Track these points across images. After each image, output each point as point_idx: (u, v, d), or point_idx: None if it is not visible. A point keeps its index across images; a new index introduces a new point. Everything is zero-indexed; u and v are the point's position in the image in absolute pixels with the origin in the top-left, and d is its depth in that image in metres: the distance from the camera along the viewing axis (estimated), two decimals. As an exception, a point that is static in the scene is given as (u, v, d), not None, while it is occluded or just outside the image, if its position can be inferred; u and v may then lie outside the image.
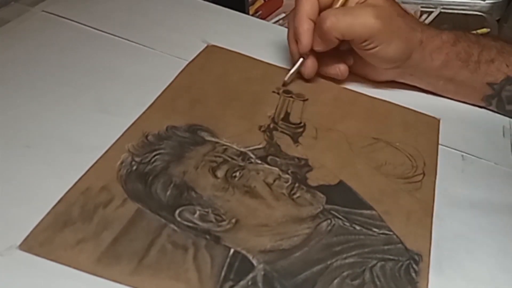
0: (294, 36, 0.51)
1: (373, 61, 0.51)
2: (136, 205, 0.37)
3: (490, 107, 0.55)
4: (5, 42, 0.50)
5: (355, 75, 0.54)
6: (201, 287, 0.33)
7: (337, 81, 0.54)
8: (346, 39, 0.49)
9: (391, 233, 0.39)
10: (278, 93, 0.51)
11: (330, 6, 0.50)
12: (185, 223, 0.37)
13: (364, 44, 0.49)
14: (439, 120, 0.52)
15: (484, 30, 0.80)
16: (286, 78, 0.51)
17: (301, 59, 0.51)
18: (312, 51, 0.50)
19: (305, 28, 0.49)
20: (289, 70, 0.52)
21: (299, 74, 0.52)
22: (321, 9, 0.50)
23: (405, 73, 0.53)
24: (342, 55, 0.53)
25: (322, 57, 0.52)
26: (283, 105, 0.50)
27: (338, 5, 0.50)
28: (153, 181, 0.39)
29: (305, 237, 0.38)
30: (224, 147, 0.43)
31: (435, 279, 0.37)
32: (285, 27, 0.73)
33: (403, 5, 0.82)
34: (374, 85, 0.54)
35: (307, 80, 0.53)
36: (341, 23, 0.48)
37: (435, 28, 0.52)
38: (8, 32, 0.51)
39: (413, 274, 0.37)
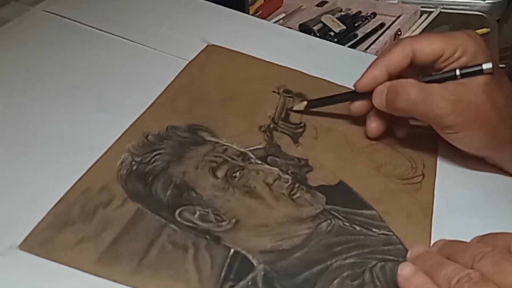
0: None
1: (454, 144, 0.45)
2: (136, 205, 0.37)
3: None
4: (5, 42, 0.50)
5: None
6: (201, 287, 0.33)
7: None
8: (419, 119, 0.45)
9: (391, 233, 0.39)
10: (278, 93, 0.51)
11: (427, 67, 0.45)
12: (185, 223, 0.37)
13: (437, 129, 0.44)
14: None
15: (484, 30, 0.79)
16: (294, 109, 0.49)
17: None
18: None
19: (374, 73, 0.45)
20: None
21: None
22: (415, 65, 0.45)
23: (490, 160, 0.47)
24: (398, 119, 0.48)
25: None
26: (283, 105, 0.50)
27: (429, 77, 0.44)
28: (153, 181, 0.39)
29: (305, 237, 0.38)
30: (224, 147, 0.43)
31: (434, 279, 0.37)
32: (286, 26, 0.73)
33: (404, 7, 0.81)
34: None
35: (307, 81, 0.53)
36: (415, 108, 0.43)
37: None
38: (8, 32, 0.51)
39: (413, 275, 0.37)
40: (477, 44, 0.44)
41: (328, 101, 0.49)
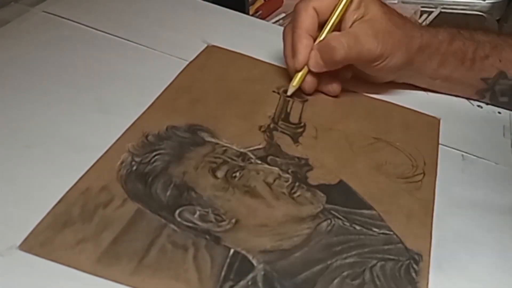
0: (291, 52, 0.50)
1: (376, 74, 0.52)
2: (136, 205, 0.37)
3: (483, 100, 0.56)
4: (5, 42, 0.50)
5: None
6: (201, 287, 0.33)
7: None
8: (352, 63, 0.50)
9: (391, 233, 0.39)
10: (278, 93, 0.51)
11: (326, 21, 0.50)
12: (185, 223, 0.37)
13: (368, 64, 0.50)
14: (439, 120, 0.52)
15: None
16: (288, 93, 0.50)
17: (300, 73, 0.50)
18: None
19: (304, 44, 0.49)
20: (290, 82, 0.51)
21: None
22: (319, 24, 0.50)
23: (405, 75, 0.53)
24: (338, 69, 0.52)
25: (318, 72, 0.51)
26: (283, 105, 0.50)
27: (331, 21, 0.49)
28: (153, 181, 0.39)
29: (305, 237, 0.38)
30: (224, 148, 0.43)
31: (435, 278, 0.37)
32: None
33: (404, 7, 0.82)
34: (374, 85, 0.54)
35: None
36: (352, 51, 0.48)
37: (432, 28, 0.53)
38: (8, 32, 0.51)
39: (413, 274, 0.37)
40: None
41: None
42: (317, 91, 0.52)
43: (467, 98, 0.56)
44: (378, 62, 0.49)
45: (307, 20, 0.49)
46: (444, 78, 0.54)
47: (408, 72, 0.53)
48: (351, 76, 0.53)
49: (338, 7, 0.49)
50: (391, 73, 0.52)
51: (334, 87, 0.52)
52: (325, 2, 0.49)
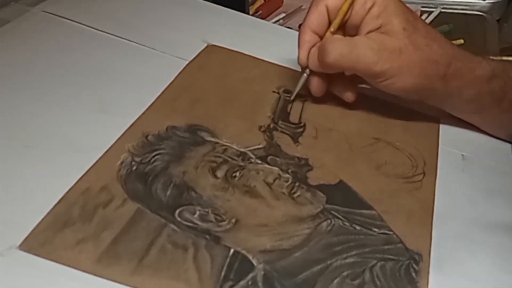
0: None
1: (384, 91, 0.47)
2: (136, 205, 0.37)
3: None
4: (5, 42, 0.50)
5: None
6: (201, 287, 0.33)
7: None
8: (349, 72, 0.47)
9: (391, 232, 0.39)
10: (278, 93, 0.51)
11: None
12: (185, 223, 0.37)
13: (369, 79, 0.47)
14: (439, 120, 0.52)
15: (459, 41, 0.77)
16: (291, 98, 0.50)
17: (304, 76, 0.49)
18: None
19: (305, 40, 0.47)
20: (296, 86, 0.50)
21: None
22: (331, 22, 0.47)
23: (426, 99, 0.49)
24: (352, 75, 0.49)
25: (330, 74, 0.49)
26: (283, 105, 0.50)
27: (337, 20, 0.47)
28: (153, 181, 0.39)
29: (305, 237, 0.38)
30: (224, 147, 0.43)
31: (435, 278, 0.37)
32: (286, 27, 0.73)
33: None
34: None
35: (307, 81, 0.53)
36: (344, 60, 0.45)
37: (472, 57, 0.47)
38: (8, 32, 0.51)
39: (413, 274, 0.37)
40: None
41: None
42: (330, 93, 0.50)
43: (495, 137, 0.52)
44: (380, 79, 0.46)
45: (313, 16, 0.47)
46: (475, 112, 0.49)
47: (429, 99, 0.49)
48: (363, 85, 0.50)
49: (344, 5, 0.46)
50: (402, 94, 0.47)
51: (348, 96, 0.49)
52: (338, 0, 0.47)
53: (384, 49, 0.45)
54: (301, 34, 0.48)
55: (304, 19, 0.48)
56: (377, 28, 0.46)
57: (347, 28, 0.48)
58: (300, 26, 0.50)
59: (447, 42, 0.47)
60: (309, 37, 0.48)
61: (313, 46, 0.47)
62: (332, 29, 0.47)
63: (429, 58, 0.45)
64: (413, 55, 0.45)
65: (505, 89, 0.47)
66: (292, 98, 0.50)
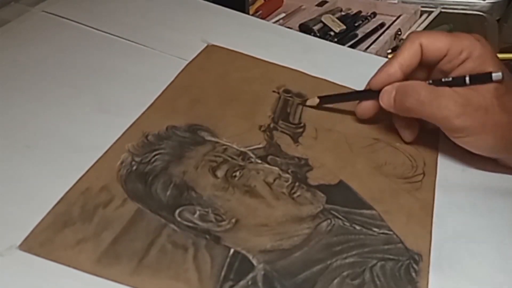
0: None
1: (462, 145, 0.45)
2: (136, 205, 0.37)
3: None
4: (5, 42, 0.50)
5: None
6: (201, 287, 0.33)
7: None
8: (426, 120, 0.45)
9: (391, 232, 0.39)
10: (278, 93, 0.51)
11: (434, 64, 0.46)
12: (185, 223, 0.37)
13: (448, 133, 0.44)
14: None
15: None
16: (307, 103, 0.49)
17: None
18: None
19: (387, 71, 0.46)
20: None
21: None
22: (424, 63, 0.46)
23: (502, 162, 0.47)
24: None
25: None
26: (283, 105, 0.50)
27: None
28: (153, 181, 0.39)
29: (305, 237, 0.38)
30: (224, 147, 0.43)
31: (435, 278, 0.37)
32: (286, 26, 0.73)
33: (404, 7, 0.81)
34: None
35: (307, 81, 0.53)
36: (423, 109, 0.43)
37: None
38: (8, 32, 0.51)
39: (413, 274, 0.37)
40: (483, 48, 0.44)
41: (341, 98, 0.50)
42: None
43: None
44: (458, 135, 0.43)
45: (406, 52, 0.45)
46: None
47: (509, 161, 0.46)
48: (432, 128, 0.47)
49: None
50: (480, 152, 0.45)
51: (406, 135, 0.48)
52: (436, 43, 0.44)
53: (469, 105, 0.42)
54: (386, 64, 0.46)
55: (397, 53, 0.46)
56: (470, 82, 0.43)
57: (434, 72, 0.47)
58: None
59: None
60: (394, 70, 0.46)
61: (393, 81, 0.46)
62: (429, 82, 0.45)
63: None
64: (499, 116, 0.42)
65: None
66: (307, 104, 0.50)
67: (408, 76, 0.46)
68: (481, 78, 0.43)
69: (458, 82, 0.43)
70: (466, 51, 0.44)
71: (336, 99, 0.50)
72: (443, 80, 0.44)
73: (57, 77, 0.47)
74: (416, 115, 0.45)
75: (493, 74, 0.42)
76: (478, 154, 0.45)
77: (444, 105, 0.43)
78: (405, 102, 0.44)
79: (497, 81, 0.42)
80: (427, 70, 0.47)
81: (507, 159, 0.46)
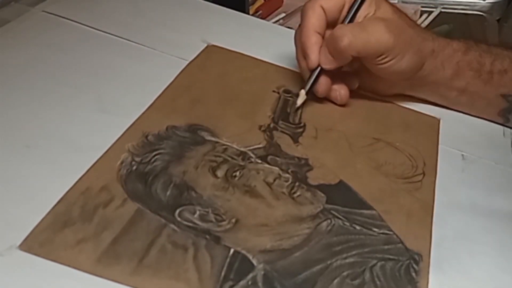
0: (302, 53, 0.49)
1: (385, 75, 0.49)
2: (136, 205, 0.37)
3: (508, 124, 0.53)
4: (5, 42, 0.50)
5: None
6: (201, 287, 0.33)
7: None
8: (361, 56, 0.47)
9: (391, 232, 0.39)
10: (278, 93, 0.51)
11: (336, 20, 0.49)
12: (185, 223, 0.37)
13: (378, 59, 0.47)
14: (439, 120, 0.52)
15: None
16: (298, 103, 0.49)
17: (313, 76, 0.48)
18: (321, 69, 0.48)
19: (313, 42, 0.48)
20: (301, 90, 0.49)
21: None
22: (328, 23, 0.48)
23: (416, 85, 0.51)
24: (345, 76, 0.51)
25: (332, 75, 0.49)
26: (283, 105, 0.50)
27: (347, 20, 0.48)
28: (153, 181, 0.39)
29: (305, 237, 0.38)
30: (224, 146, 0.43)
31: (435, 278, 0.37)
32: (286, 26, 0.73)
33: (404, 7, 0.82)
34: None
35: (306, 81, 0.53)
36: (358, 40, 0.46)
37: (445, 37, 0.51)
38: (8, 32, 0.51)
39: (413, 274, 0.37)
40: None
41: (313, 77, 0.49)
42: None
43: (490, 121, 0.54)
44: (387, 58, 0.47)
45: (314, 18, 0.48)
46: (459, 90, 0.51)
47: (420, 80, 0.50)
48: (357, 86, 0.51)
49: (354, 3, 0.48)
50: (402, 76, 0.49)
51: (342, 93, 0.50)
52: (333, 0, 0.48)
53: (389, 26, 0.46)
54: (306, 37, 0.48)
55: (302, 23, 0.48)
56: (372, 14, 0.48)
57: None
58: (295, 34, 0.50)
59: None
60: (316, 38, 0.48)
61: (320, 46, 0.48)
62: (346, 22, 0.48)
63: (419, 35, 0.48)
64: (410, 32, 0.48)
65: (480, 60, 0.50)
66: (298, 104, 0.49)
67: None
68: None
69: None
70: None
71: (310, 84, 0.49)
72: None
73: (57, 77, 0.47)
74: (352, 52, 0.46)
75: None
76: (393, 79, 0.49)
77: (371, 30, 0.46)
78: (339, 45, 0.46)
79: None
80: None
81: (417, 80, 0.50)
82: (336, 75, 0.50)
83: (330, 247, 0.37)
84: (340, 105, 0.51)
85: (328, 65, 0.48)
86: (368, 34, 0.46)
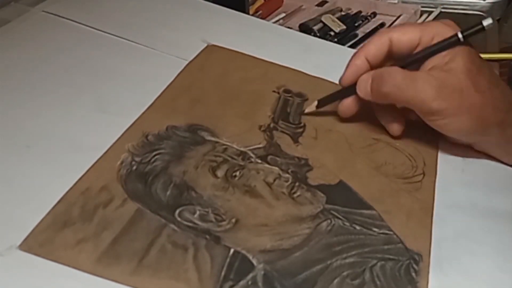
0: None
1: (438, 130, 0.46)
2: (136, 205, 0.37)
3: None
4: (5, 42, 0.50)
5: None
6: (201, 287, 0.33)
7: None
8: (403, 105, 0.45)
9: (391, 232, 0.39)
10: (278, 93, 0.51)
11: (406, 56, 0.46)
12: (185, 223, 0.37)
13: (424, 116, 0.45)
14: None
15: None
16: (305, 110, 0.49)
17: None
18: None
19: (356, 63, 0.46)
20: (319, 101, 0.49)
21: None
22: (390, 55, 0.46)
23: (482, 145, 0.48)
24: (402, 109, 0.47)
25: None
26: (283, 105, 0.50)
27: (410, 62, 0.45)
28: (153, 181, 0.39)
29: (305, 237, 0.38)
30: (224, 146, 0.43)
31: (435, 279, 0.37)
32: (286, 26, 0.73)
33: (404, 7, 0.81)
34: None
35: (307, 81, 0.53)
36: (401, 93, 0.43)
37: None
38: (8, 32, 0.51)
39: (413, 274, 0.37)
40: (454, 31, 0.44)
41: (336, 96, 0.49)
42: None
43: None
44: (435, 118, 0.44)
45: (373, 45, 0.46)
46: None
47: (484, 145, 0.47)
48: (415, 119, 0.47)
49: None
50: (456, 135, 0.46)
51: (395, 129, 0.48)
52: (406, 36, 0.45)
53: (445, 87, 0.43)
54: (353, 57, 0.47)
55: (363, 46, 0.47)
56: (441, 66, 0.44)
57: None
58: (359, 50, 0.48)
59: (509, 89, 0.46)
60: (361, 62, 0.46)
61: (363, 73, 0.46)
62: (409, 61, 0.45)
63: (489, 102, 0.44)
64: (474, 97, 0.43)
65: None
66: (305, 112, 0.49)
67: (378, 66, 0.46)
68: (474, 29, 0.44)
69: (451, 42, 0.44)
70: (438, 36, 0.44)
71: (331, 98, 0.49)
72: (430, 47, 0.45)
73: (57, 77, 0.47)
74: (393, 101, 0.45)
75: (484, 22, 0.43)
76: (453, 137, 0.46)
77: (420, 89, 0.43)
78: (382, 88, 0.44)
79: (489, 27, 0.43)
80: (400, 60, 0.47)
81: (481, 142, 0.47)
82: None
83: (330, 247, 0.37)
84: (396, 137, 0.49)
85: (362, 94, 0.46)
86: (415, 91, 0.43)
